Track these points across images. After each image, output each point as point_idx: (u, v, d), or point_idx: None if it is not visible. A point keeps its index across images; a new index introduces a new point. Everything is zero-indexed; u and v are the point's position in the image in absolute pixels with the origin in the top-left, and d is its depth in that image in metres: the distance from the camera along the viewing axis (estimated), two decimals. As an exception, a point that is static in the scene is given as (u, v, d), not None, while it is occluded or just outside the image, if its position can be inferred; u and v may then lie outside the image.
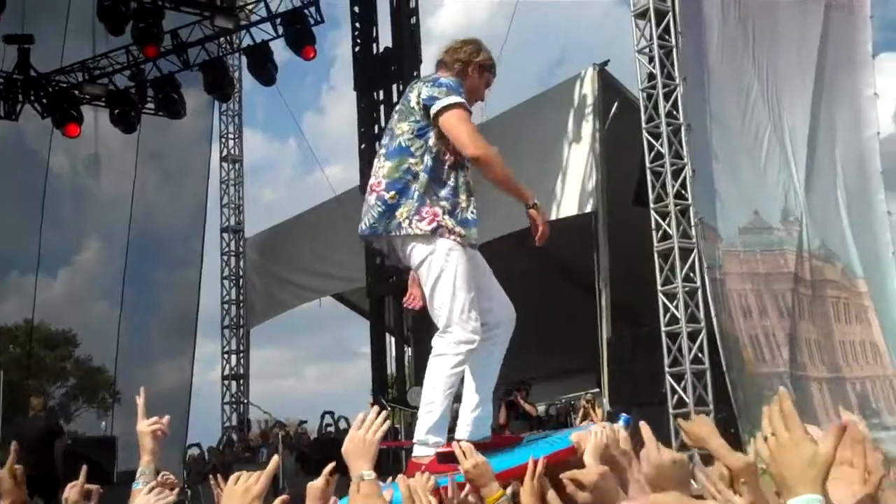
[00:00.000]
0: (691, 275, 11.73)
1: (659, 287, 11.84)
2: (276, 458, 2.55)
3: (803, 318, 12.67)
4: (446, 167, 4.10)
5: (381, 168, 4.13)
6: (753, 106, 13.17)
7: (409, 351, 16.18)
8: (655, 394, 11.65)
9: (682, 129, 12.01)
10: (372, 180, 4.16)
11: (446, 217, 4.01)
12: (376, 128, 17.14)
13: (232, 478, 2.30)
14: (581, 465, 3.04)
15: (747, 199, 12.85)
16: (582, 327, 14.78)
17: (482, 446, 4.08)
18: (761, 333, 12.09)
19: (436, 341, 4.05)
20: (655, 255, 11.94)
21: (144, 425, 3.14)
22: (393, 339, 16.54)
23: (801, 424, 1.73)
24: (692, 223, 11.84)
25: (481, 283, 4.17)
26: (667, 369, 11.56)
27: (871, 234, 13.79)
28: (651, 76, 12.26)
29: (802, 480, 1.69)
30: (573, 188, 14.72)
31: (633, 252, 13.08)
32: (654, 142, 12.11)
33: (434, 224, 3.98)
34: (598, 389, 14.18)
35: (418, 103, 4.07)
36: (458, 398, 4.27)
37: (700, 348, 11.48)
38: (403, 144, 4.08)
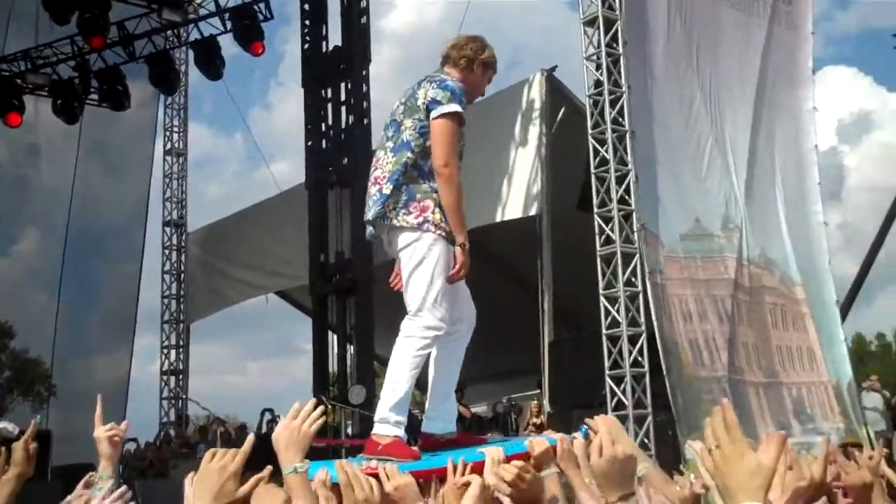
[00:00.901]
0: (633, 279, 11.89)
1: (601, 291, 11.99)
2: (251, 436, 2.52)
3: (742, 324, 12.90)
4: None
5: (388, 162, 4.26)
6: (696, 115, 13.38)
7: (351, 349, 16.15)
8: (595, 396, 11.78)
9: (627, 135, 12.17)
10: (377, 172, 4.29)
11: (437, 210, 4.14)
12: (323, 125, 17.09)
13: (208, 454, 2.26)
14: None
15: (689, 207, 13.05)
16: (524, 329, 14.90)
17: (447, 443, 4.17)
18: (701, 338, 12.29)
19: (405, 324, 4.18)
20: (598, 260, 12.09)
21: (102, 431, 3.11)
22: (335, 338, 16.50)
23: (743, 436, 1.77)
24: (635, 228, 12.01)
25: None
26: (607, 372, 11.71)
27: (808, 244, 14.08)
28: (598, 83, 12.41)
29: (745, 490, 1.73)
30: (518, 191, 14.85)
31: (576, 256, 13.21)
32: (599, 147, 12.26)
33: (421, 218, 4.12)
34: (538, 391, 14.31)
35: (424, 103, 4.20)
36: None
37: (640, 352, 11.64)
38: (405, 139, 4.22)
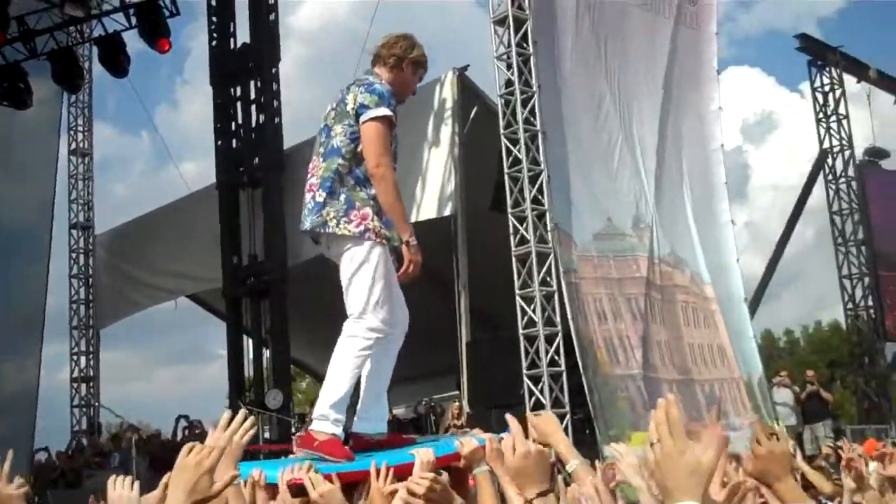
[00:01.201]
0: (548, 279, 12.00)
1: (517, 291, 12.07)
2: (224, 433, 2.50)
3: (655, 322, 13.14)
4: None
5: (318, 168, 4.30)
6: (606, 114, 13.56)
7: (267, 353, 15.94)
8: (514, 396, 11.86)
9: (540, 135, 12.25)
10: (312, 179, 4.31)
11: (375, 219, 4.20)
12: (233, 124, 16.81)
13: (185, 449, 2.25)
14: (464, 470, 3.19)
15: (601, 206, 13.23)
16: (442, 330, 14.90)
17: (378, 443, 4.21)
18: (615, 336, 12.48)
19: (348, 325, 4.23)
20: (513, 260, 12.16)
21: (12, 489, 2.99)
22: (251, 341, 16.26)
23: (684, 433, 1.77)
24: (548, 228, 12.11)
25: (391, 283, 4.33)
26: (524, 372, 11.80)
27: (716, 242, 14.40)
28: (509, 83, 12.47)
29: (683, 488, 1.74)
30: (432, 192, 14.82)
31: (492, 256, 13.24)
32: (512, 147, 12.34)
33: (362, 227, 4.18)
34: (457, 392, 14.32)
35: (353, 108, 4.24)
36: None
37: (557, 351, 11.77)
38: (335, 146, 4.26)
